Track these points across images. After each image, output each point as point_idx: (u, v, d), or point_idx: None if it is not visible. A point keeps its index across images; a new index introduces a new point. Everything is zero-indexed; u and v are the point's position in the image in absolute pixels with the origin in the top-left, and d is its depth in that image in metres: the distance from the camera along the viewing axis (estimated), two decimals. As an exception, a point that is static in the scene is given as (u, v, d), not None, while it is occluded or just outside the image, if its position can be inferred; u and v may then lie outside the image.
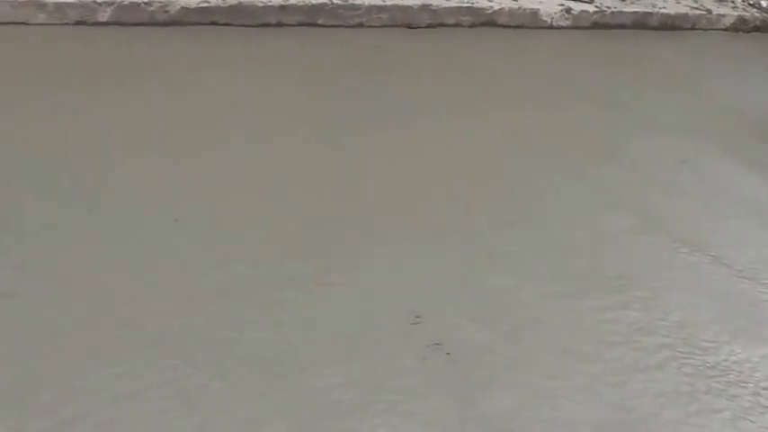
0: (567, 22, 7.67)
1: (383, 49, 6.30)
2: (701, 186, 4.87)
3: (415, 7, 6.81)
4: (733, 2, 9.22)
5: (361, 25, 6.61)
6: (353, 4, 6.52)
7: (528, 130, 5.24)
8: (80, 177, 3.82)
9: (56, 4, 5.51)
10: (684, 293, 3.72)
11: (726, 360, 3.29)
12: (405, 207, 4.04)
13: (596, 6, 7.89)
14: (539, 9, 7.48)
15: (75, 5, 5.57)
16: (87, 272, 3.20)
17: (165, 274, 3.26)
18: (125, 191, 3.77)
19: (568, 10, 7.64)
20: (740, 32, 8.85)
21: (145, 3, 5.76)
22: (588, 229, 4.13)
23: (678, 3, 8.72)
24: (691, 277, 3.86)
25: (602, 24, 7.93)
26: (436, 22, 6.97)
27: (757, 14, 8.98)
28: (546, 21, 7.54)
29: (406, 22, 6.82)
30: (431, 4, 6.89)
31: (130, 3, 5.72)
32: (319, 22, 6.43)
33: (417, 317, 3.22)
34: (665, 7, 8.43)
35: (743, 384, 3.16)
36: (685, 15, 8.50)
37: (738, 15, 8.83)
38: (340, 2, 6.48)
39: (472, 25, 7.16)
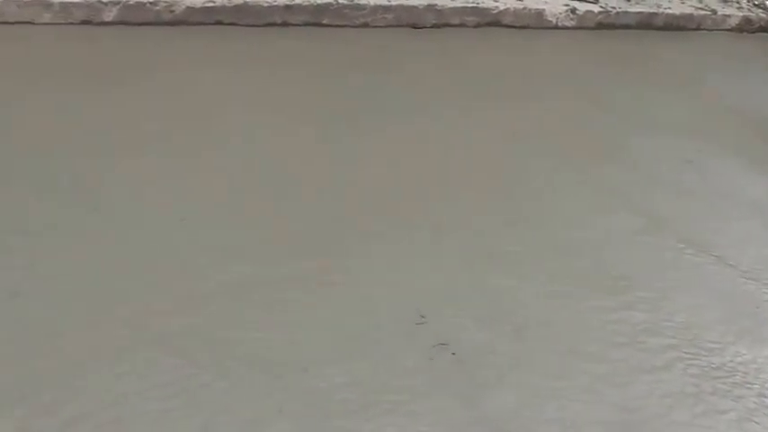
0: (572, 23, 7.66)
1: (388, 49, 6.30)
2: (705, 187, 4.87)
3: (421, 7, 6.81)
4: (738, 2, 9.20)
5: (366, 25, 6.60)
6: (359, 4, 6.52)
7: (532, 129, 5.24)
8: (83, 177, 3.83)
9: (61, 3, 5.51)
10: (689, 294, 3.72)
11: (731, 361, 3.29)
12: (407, 207, 4.04)
13: (601, 7, 7.88)
14: (544, 9, 7.47)
15: (80, 5, 5.57)
16: (89, 272, 3.20)
17: (167, 273, 3.26)
18: (127, 190, 3.78)
19: (573, 10, 7.63)
20: (745, 33, 8.83)
21: (150, 2, 5.76)
22: (592, 230, 4.13)
23: (683, 3, 8.71)
24: (695, 278, 3.87)
25: (607, 25, 7.92)
26: (441, 22, 6.96)
27: (762, 15, 8.96)
28: (551, 21, 7.53)
29: (412, 22, 6.81)
30: (436, 4, 6.89)
31: (136, 2, 5.72)
32: (324, 21, 6.43)
33: (422, 317, 3.22)
34: (669, 8, 8.42)
35: (748, 385, 3.17)
36: (690, 16, 8.49)
37: (743, 16, 8.81)
38: (345, 2, 6.48)
39: (477, 25, 7.15)
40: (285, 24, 6.28)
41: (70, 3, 5.54)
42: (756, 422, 2.98)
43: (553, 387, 2.98)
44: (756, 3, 9.25)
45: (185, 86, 4.95)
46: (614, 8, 7.95)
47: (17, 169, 3.80)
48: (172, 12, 5.85)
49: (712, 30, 8.66)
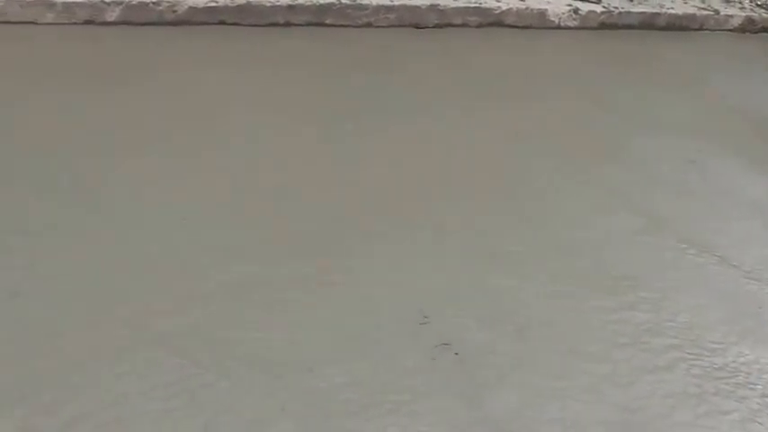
0: (575, 23, 7.66)
1: (390, 49, 6.30)
2: (707, 187, 4.87)
3: (423, 7, 6.81)
4: (741, 2, 9.20)
5: (368, 25, 6.60)
6: (361, 4, 6.52)
7: (534, 129, 5.24)
8: (84, 177, 3.83)
9: (64, 3, 5.52)
10: (692, 294, 3.72)
11: (734, 361, 3.29)
12: (409, 207, 4.04)
13: (604, 7, 7.88)
14: (546, 9, 7.47)
15: (83, 5, 5.58)
16: (90, 271, 3.20)
17: (168, 273, 3.26)
18: (129, 190, 3.78)
19: (576, 10, 7.63)
20: (747, 33, 8.82)
21: (153, 2, 5.76)
22: (594, 230, 4.13)
23: (686, 3, 8.70)
24: (698, 278, 3.86)
25: (610, 25, 7.91)
26: (444, 22, 6.96)
27: (765, 15, 8.95)
28: (553, 21, 7.53)
29: (414, 22, 6.81)
30: (438, 5, 6.88)
31: (139, 2, 5.73)
32: (327, 21, 6.43)
33: (425, 317, 3.22)
34: (672, 8, 8.41)
35: (751, 386, 3.16)
36: (693, 16, 8.48)
37: (746, 16, 8.81)
38: (348, 2, 6.48)
39: (480, 25, 7.15)
40: (288, 24, 6.28)
41: (73, 3, 5.54)
42: (760, 423, 2.98)
43: (555, 387, 2.98)
44: (759, 3, 9.24)
45: (188, 86, 4.95)
46: (617, 8, 7.94)
47: (19, 169, 3.80)
48: (174, 12, 5.86)
49: (715, 30, 8.66)
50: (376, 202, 4.04)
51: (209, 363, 2.84)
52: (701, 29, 8.56)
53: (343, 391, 2.80)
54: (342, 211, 3.90)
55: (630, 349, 3.25)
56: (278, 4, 6.20)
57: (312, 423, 2.65)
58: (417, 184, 4.27)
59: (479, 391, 2.90)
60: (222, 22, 6.04)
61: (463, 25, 7.07)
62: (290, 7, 6.25)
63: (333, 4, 6.41)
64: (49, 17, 5.53)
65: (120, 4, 5.67)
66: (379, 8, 6.60)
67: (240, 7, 6.08)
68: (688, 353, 3.29)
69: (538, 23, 7.46)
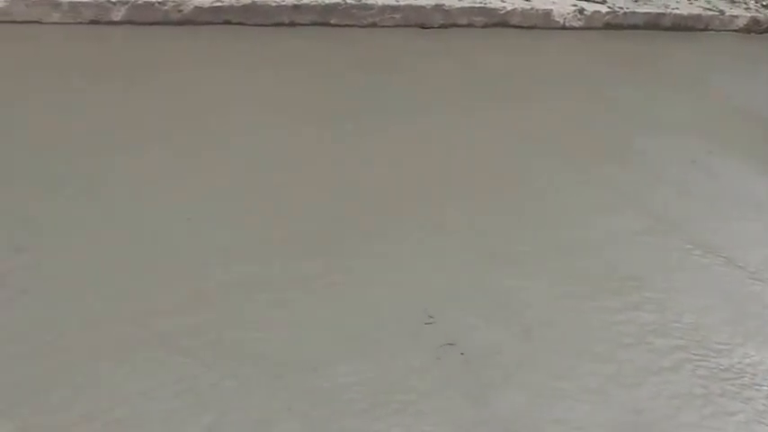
0: (580, 23, 7.65)
1: (395, 49, 6.30)
2: (713, 187, 4.87)
3: (428, 7, 6.81)
4: (746, 3, 9.19)
5: (374, 25, 6.61)
6: (367, 4, 6.52)
7: (539, 129, 5.24)
8: (90, 176, 3.83)
9: (70, 3, 5.52)
10: (697, 295, 3.72)
11: (740, 362, 3.29)
12: (413, 206, 4.04)
13: (609, 7, 7.88)
14: (551, 10, 7.47)
15: (89, 4, 5.58)
16: (95, 271, 3.20)
17: (174, 273, 3.26)
18: (134, 189, 3.78)
19: (581, 10, 7.63)
20: (753, 34, 8.82)
21: (159, 2, 5.77)
22: (599, 230, 4.13)
23: (691, 3, 8.70)
24: (703, 279, 3.86)
25: (615, 25, 7.91)
26: (449, 22, 6.96)
27: (770, 16, 8.96)
28: (559, 21, 7.53)
29: (419, 22, 6.82)
30: (444, 5, 6.89)
31: (144, 2, 5.73)
32: (332, 21, 6.43)
33: (430, 317, 3.22)
34: (677, 8, 8.41)
35: (757, 387, 3.16)
36: (698, 16, 8.48)
37: (751, 17, 8.80)
38: (353, 1, 6.48)
39: (485, 26, 7.15)
40: (293, 24, 6.28)
41: (79, 2, 5.55)
42: (766, 424, 2.98)
43: (561, 387, 2.98)
44: (764, 3, 9.23)
45: (192, 86, 4.95)
46: (622, 8, 7.94)
47: (24, 168, 3.81)
48: (180, 11, 5.86)
49: (720, 30, 8.66)
50: (379, 201, 4.04)
51: (215, 362, 2.84)
52: (706, 29, 8.56)
53: (349, 390, 2.80)
54: (345, 211, 3.90)
55: (636, 350, 3.25)
56: (283, 3, 6.21)
57: (318, 423, 2.66)
58: (423, 184, 4.27)
59: (485, 391, 2.90)
60: (227, 22, 6.05)
61: (468, 25, 7.08)
62: (296, 7, 6.26)
63: (338, 3, 6.42)
64: (55, 17, 5.53)
65: (126, 3, 5.68)
66: (384, 8, 6.60)
67: (245, 7, 6.08)
68: (693, 354, 3.29)
69: (543, 24, 7.46)
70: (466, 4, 7.02)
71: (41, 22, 5.49)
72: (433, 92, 5.57)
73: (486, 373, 2.98)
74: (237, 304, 3.14)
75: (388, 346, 3.04)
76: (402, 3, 6.69)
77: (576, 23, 7.64)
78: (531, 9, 7.37)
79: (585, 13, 7.66)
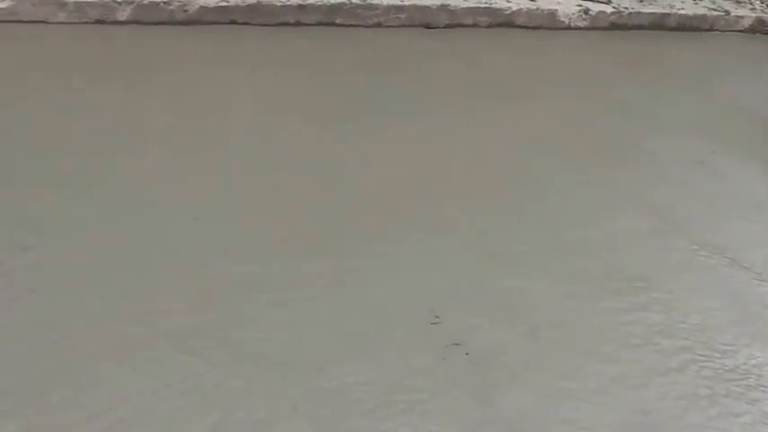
0: (585, 23, 7.65)
1: (400, 49, 6.30)
2: (718, 188, 4.87)
3: (434, 7, 6.82)
4: (751, 3, 9.18)
5: (379, 25, 6.61)
6: (372, 4, 6.53)
7: (544, 129, 5.24)
8: (95, 175, 3.84)
9: (76, 3, 5.53)
10: (703, 296, 3.71)
11: (745, 363, 3.28)
12: (416, 206, 4.04)
13: (614, 7, 7.87)
14: (556, 10, 7.47)
15: (95, 4, 5.59)
16: (100, 270, 3.21)
17: (180, 272, 3.27)
18: (139, 189, 3.78)
19: (586, 11, 7.62)
20: (758, 34, 8.81)
21: (164, 2, 5.78)
22: (605, 230, 4.13)
23: (696, 4, 8.69)
24: (709, 280, 3.86)
25: (620, 25, 7.91)
26: (454, 22, 6.97)
27: (776, 16, 8.95)
28: (564, 21, 7.53)
29: (425, 22, 6.82)
30: (449, 5, 6.89)
31: (150, 2, 5.74)
32: (338, 21, 6.44)
33: (436, 317, 3.22)
34: (682, 8, 8.41)
35: (763, 388, 3.15)
36: (703, 16, 8.48)
37: (757, 17, 8.79)
38: (358, 1, 6.48)
39: (490, 26, 7.16)
40: (298, 24, 6.29)
41: (84, 2, 5.56)
42: (771, 425, 2.98)
43: (567, 388, 2.98)
44: (770, 4, 9.23)
45: (197, 86, 4.96)
46: (627, 9, 7.94)
47: (29, 167, 3.81)
48: (185, 11, 5.87)
49: (725, 31, 8.66)
50: (381, 201, 4.04)
51: (220, 362, 2.84)
52: (711, 29, 8.56)
53: (355, 390, 2.80)
54: (347, 211, 3.90)
55: (642, 350, 3.25)
56: (288, 3, 6.21)
57: (323, 423, 2.65)
58: (424, 184, 4.27)
59: (491, 391, 2.89)
60: (233, 22, 6.06)
61: (473, 25, 7.08)
62: (301, 7, 6.26)
63: (343, 3, 6.42)
64: (61, 16, 5.54)
65: (132, 3, 5.69)
66: (389, 8, 6.61)
67: (251, 7, 6.09)
68: (699, 354, 3.29)
69: (548, 24, 7.46)
70: (471, 4, 7.03)
71: (47, 22, 5.50)
72: (438, 92, 5.57)
73: (492, 373, 2.98)
74: (242, 304, 3.14)
75: (393, 346, 3.04)
76: (407, 3, 6.70)
77: (580, 23, 7.63)
78: (536, 9, 7.37)
79: (590, 13, 7.66)
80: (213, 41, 5.74)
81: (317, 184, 4.08)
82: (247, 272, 3.32)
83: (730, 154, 5.38)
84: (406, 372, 2.92)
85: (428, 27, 6.85)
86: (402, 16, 6.69)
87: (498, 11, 7.16)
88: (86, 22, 5.61)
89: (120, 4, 5.66)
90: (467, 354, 3.05)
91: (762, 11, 9.01)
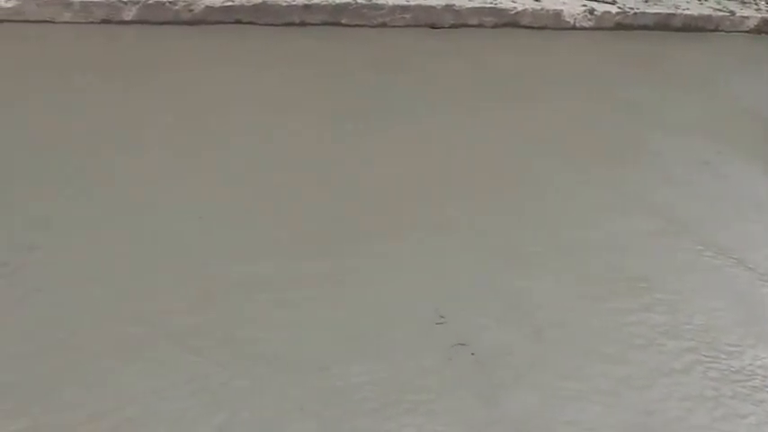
0: (590, 23, 7.65)
1: (405, 49, 6.31)
2: (723, 188, 4.86)
3: (439, 7, 6.82)
4: (756, 4, 9.17)
5: (384, 25, 6.62)
6: (377, 4, 6.53)
7: (547, 129, 5.24)
8: (99, 175, 3.85)
9: (82, 2, 5.55)
10: (708, 296, 3.70)
11: (751, 364, 3.28)
12: (421, 206, 4.04)
13: (619, 7, 7.87)
14: (562, 10, 7.46)
15: (100, 4, 5.60)
16: (107, 269, 3.22)
17: (185, 271, 3.28)
18: (144, 188, 3.79)
19: (591, 11, 7.62)
20: (763, 35, 8.80)
21: (170, 2, 5.79)
22: (609, 230, 4.12)
23: (701, 4, 8.68)
24: (714, 280, 3.85)
25: (625, 25, 7.91)
26: (459, 22, 6.97)
27: (781, 17, 8.94)
28: (569, 22, 7.53)
29: (430, 22, 6.83)
30: (454, 5, 6.89)
31: (155, 2, 5.75)
32: (343, 21, 6.45)
33: (441, 317, 3.22)
34: (688, 9, 8.40)
35: (768, 389, 3.16)
36: (708, 17, 8.47)
37: (762, 17, 8.78)
38: (364, 1, 6.49)
39: (495, 26, 7.16)
40: (304, 24, 6.30)
41: (90, 2, 5.57)
42: (777, 426, 2.98)
43: (572, 388, 2.98)
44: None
45: (203, 85, 4.97)
46: (632, 9, 7.94)
47: (35, 167, 3.82)
48: (191, 11, 5.88)
49: (730, 31, 8.65)
50: (385, 201, 4.04)
51: (226, 361, 2.84)
52: (716, 30, 8.55)
53: (361, 390, 2.80)
54: (352, 211, 3.90)
55: (647, 351, 3.25)
56: (294, 3, 6.22)
57: (330, 422, 2.66)
58: (428, 184, 4.27)
59: (496, 392, 2.90)
60: (238, 22, 6.07)
61: (479, 25, 7.09)
62: (306, 7, 6.27)
63: (349, 3, 6.43)
64: (67, 16, 5.56)
65: (137, 3, 5.70)
66: (394, 8, 6.61)
67: (256, 6, 6.10)
68: (704, 355, 3.29)
69: (553, 24, 7.46)
70: (476, 5, 7.03)
71: (53, 22, 5.52)
72: (442, 92, 5.57)
73: (497, 373, 2.98)
74: (246, 304, 3.14)
75: (399, 345, 3.04)
76: (412, 3, 6.70)
77: (586, 24, 7.63)
78: (542, 9, 7.37)
79: (596, 13, 7.66)
80: (218, 41, 5.75)
81: (320, 184, 4.08)
82: (249, 272, 3.32)
83: (735, 154, 5.38)
84: (411, 372, 2.92)
85: (433, 27, 6.85)
86: (407, 16, 6.69)
87: (503, 11, 7.16)
88: (92, 22, 5.62)
89: (125, 3, 5.67)
90: (472, 354, 3.05)
91: (767, 11, 8.99)
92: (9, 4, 5.36)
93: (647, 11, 8.02)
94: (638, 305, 3.54)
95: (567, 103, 5.79)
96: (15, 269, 3.13)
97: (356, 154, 4.46)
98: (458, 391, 2.87)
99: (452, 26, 6.94)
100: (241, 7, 6.03)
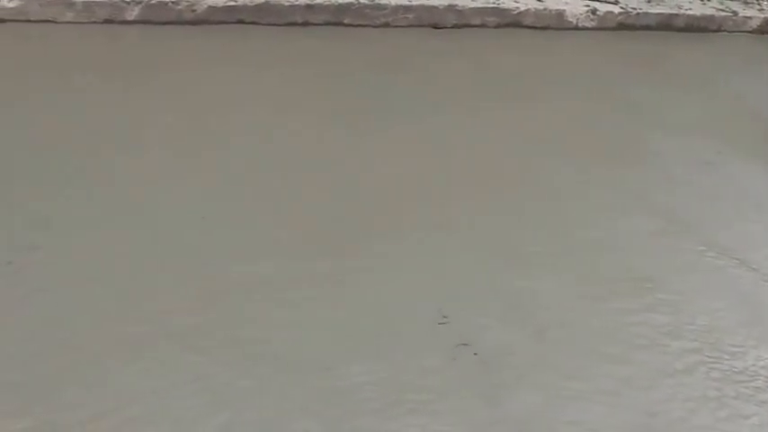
0: (593, 23, 7.64)
1: (408, 49, 6.30)
2: (726, 189, 4.86)
3: (441, 7, 6.81)
4: (759, 4, 9.15)
5: (387, 25, 6.61)
6: (380, 4, 6.53)
7: (551, 130, 5.24)
8: (103, 174, 3.85)
9: (84, 2, 5.54)
10: (711, 297, 3.70)
11: (754, 365, 3.28)
12: (423, 206, 4.04)
13: (622, 7, 7.86)
14: (564, 10, 7.46)
15: (103, 4, 5.60)
16: (109, 269, 3.22)
17: (189, 271, 3.28)
18: (147, 188, 3.80)
19: (594, 11, 7.61)
20: (766, 35, 8.78)
21: (172, 2, 5.79)
22: (611, 231, 4.12)
23: (704, 4, 8.67)
24: (717, 281, 3.85)
25: (628, 25, 7.90)
26: (462, 22, 6.96)
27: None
28: (571, 22, 7.52)
29: (432, 22, 6.82)
30: (457, 5, 6.89)
31: (158, 1, 5.75)
32: (345, 21, 6.45)
33: (444, 317, 3.22)
34: (690, 9, 8.38)
35: (771, 390, 3.16)
36: (711, 17, 8.45)
37: (765, 18, 8.76)
38: (367, 1, 6.49)
39: (498, 26, 7.15)
40: (306, 24, 6.29)
41: (93, 2, 5.57)
42: (780, 427, 2.98)
43: (574, 389, 2.98)
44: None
45: (205, 85, 4.97)
46: (635, 9, 7.92)
47: (38, 166, 3.83)
48: (194, 11, 5.88)
49: (733, 31, 8.63)
50: (388, 201, 4.04)
51: (228, 361, 2.85)
52: (719, 30, 8.53)
53: (364, 390, 2.80)
54: (354, 211, 3.90)
55: (649, 352, 3.25)
56: (296, 3, 6.22)
57: (332, 422, 2.66)
58: (430, 184, 4.27)
59: (499, 392, 2.90)
60: (241, 21, 6.07)
61: (481, 26, 7.08)
62: (309, 7, 6.27)
63: (351, 3, 6.42)
64: (69, 16, 5.56)
65: (140, 3, 5.70)
66: (397, 8, 6.61)
67: (259, 6, 6.09)
68: (707, 356, 3.28)
69: (556, 24, 7.45)
70: (479, 5, 7.02)
71: (55, 22, 5.51)
72: (445, 92, 5.57)
73: (500, 373, 2.98)
74: (248, 304, 3.14)
75: (402, 345, 3.04)
76: (415, 3, 6.70)
77: (588, 24, 7.62)
78: (544, 9, 7.36)
79: (598, 13, 7.65)
80: (221, 41, 5.75)
81: (320, 184, 4.08)
82: (252, 272, 3.33)
83: (738, 155, 5.37)
84: (414, 372, 2.92)
85: (436, 27, 6.85)
86: (410, 16, 6.69)
87: (506, 11, 7.16)
88: (95, 22, 5.62)
89: (128, 3, 5.67)
90: (475, 354, 3.05)
91: (770, 11, 8.99)
92: (12, 4, 5.36)
93: (649, 11, 8.01)
94: (641, 305, 3.54)
95: (569, 103, 5.78)
96: (18, 268, 3.13)
97: (357, 154, 4.46)
98: (460, 391, 2.87)
99: (455, 26, 6.94)
100: (244, 7, 6.03)
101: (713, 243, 4.15)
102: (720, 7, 8.67)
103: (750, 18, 8.68)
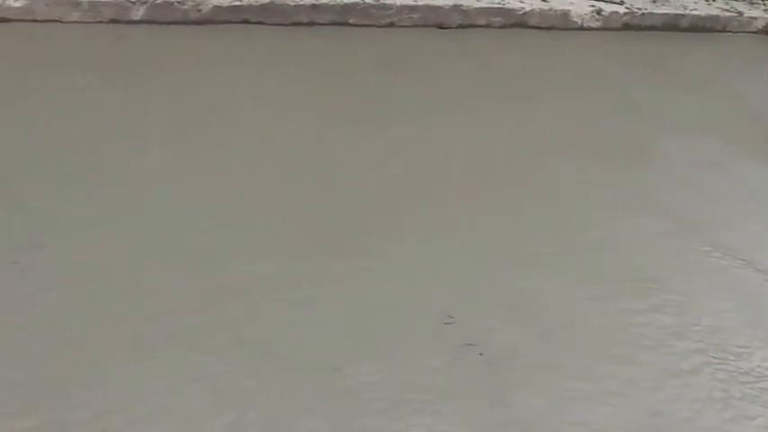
0: (598, 24, 7.64)
1: (412, 49, 6.30)
2: (731, 189, 4.85)
3: (447, 8, 6.82)
4: (764, 4, 9.14)
5: (392, 25, 6.62)
6: (385, 4, 6.53)
7: (557, 130, 5.24)
8: (109, 174, 3.85)
9: (90, 2, 5.55)
10: (716, 298, 3.70)
11: (759, 366, 3.27)
12: (426, 206, 4.04)
13: (627, 8, 7.86)
14: (569, 10, 7.45)
15: (109, 4, 5.60)
16: (116, 268, 3.22)
17: (195, 271, 3.28)
18: (154, 187, 3.80)
19: (599, 11, 7.61)
20: (771, 35, 8.80)
21: (178, 1, 5.79)
22: (616, 231, 4.12)
23: (709, 5, 8.67)
24: (722, 281, 3.85)
25: (633, 26, 7.89)
26: (467, 22, 6.96)
27: (789, 17, 8.91)
28: (576, 22, 7.52)
29: (438, 22, 6.82)
30: (462, 5, 6.89)
31: (164, 1, 5.75)
32: (351, 21, 6.45)
33: (449, 317, 3.22)
34: (695, 9, 8.38)
35: (777, 391, 3.15)
36: (716, 17, 8.45)
37: (770, 18, 8.78)
38: (372, 1, 6.49)
39: (503, 26, 7.15)
40: (311, 24, 6.30)
41: (99, 1, 5.58)
42: (786, 428, 2.97)
43: (580, 389, 2.97)
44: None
45: (210, 85, 4.97)
46: (640, 9, 7.92)
47: (44, 165, 3.83)
48: (199, 11, 5.88)
49: (738, 32, 8.63)
50: (390, 201, 4.04)
51: (234, 361, 2.84)
52: (724, 30, 8.53)
53: (369, 390, 2.80)
54: (359, 211, 3.90)
55: (655, 352, 3.24)
56: (302, 3, 6.22)
57: (338, 422, 2.66)
58: (440, 184, 4.27)
59: (504, 392, 2.90)
60: (246, 21, 6.07)
61: (486, 26, 7.08)
62: (314, 6, 6.27)
63: (356, 3, 6.43)
64: (75, 16, 5.56)
65: (146, 2, 5.70)
66: (402, 8, 6.61)
67: (264, 6, 6.10)
68: (713, 357, 3.28)
69: (561, 24, 7.45)
70: (484, 5, 7.02)
71: (61, 21, 5.52)
72: (449, 92, 5.57)
73: (505, 373, 2.98)
74: (257, 303, 3.14)
75: (407, 346, 3.04)
76: (420, 3, 6.70)
77: (593, 24, 7.62)
78: (549, 10, 7.36)
79: (603, 13, 7.65)
80: (226, 41, 5.75)
81: (322, 184, 4.08)
82: (253, 272, 3.32)
83: (743, 155, 5.37)
84: (419, 372, 2.92)
85: (441, 27, 6.85)
86: (415, 16, 6.69)
87: (511, 11, 7.16)
88: (100, 22, 5.62)
89: (134, 3, 5.67)
90: (480, 354, 3.05)
91: (775, 12, 8.98)
92: (18, 4, 5.37)
93: (654, 11, 8.00)
94: (647, 306, 3.54)
95: (572, 103, 5.78)
96: (23, 268, 3.13)
97: (358, 154, 4.46)
98: (466, 391, 2.87)
99: (460, 26, 6.94)
100: (249, 7, 6.03)
101: (718, 243, 4.15)
102: (726, 8, 8.67)
103: (755, 18, 8.68)
